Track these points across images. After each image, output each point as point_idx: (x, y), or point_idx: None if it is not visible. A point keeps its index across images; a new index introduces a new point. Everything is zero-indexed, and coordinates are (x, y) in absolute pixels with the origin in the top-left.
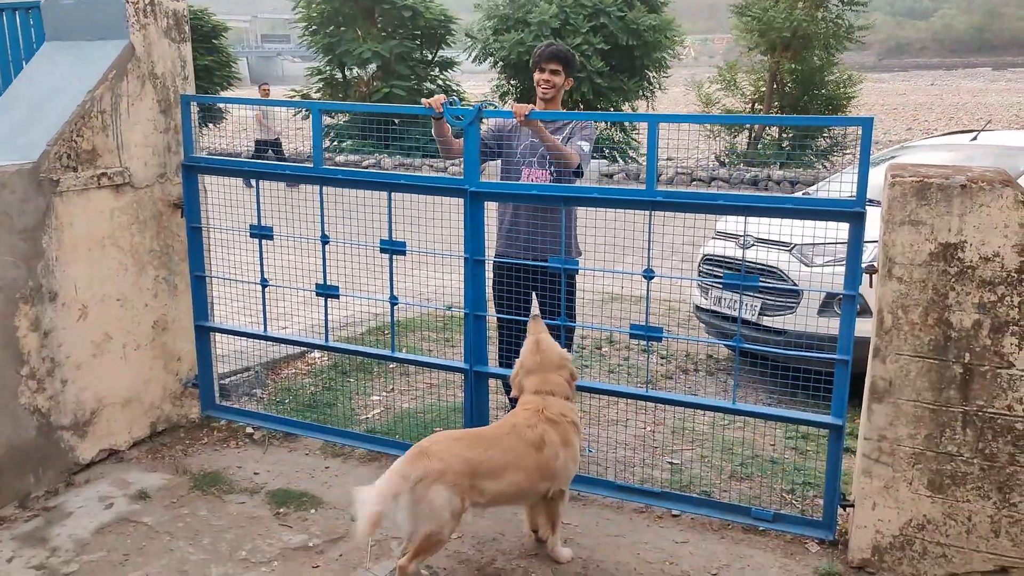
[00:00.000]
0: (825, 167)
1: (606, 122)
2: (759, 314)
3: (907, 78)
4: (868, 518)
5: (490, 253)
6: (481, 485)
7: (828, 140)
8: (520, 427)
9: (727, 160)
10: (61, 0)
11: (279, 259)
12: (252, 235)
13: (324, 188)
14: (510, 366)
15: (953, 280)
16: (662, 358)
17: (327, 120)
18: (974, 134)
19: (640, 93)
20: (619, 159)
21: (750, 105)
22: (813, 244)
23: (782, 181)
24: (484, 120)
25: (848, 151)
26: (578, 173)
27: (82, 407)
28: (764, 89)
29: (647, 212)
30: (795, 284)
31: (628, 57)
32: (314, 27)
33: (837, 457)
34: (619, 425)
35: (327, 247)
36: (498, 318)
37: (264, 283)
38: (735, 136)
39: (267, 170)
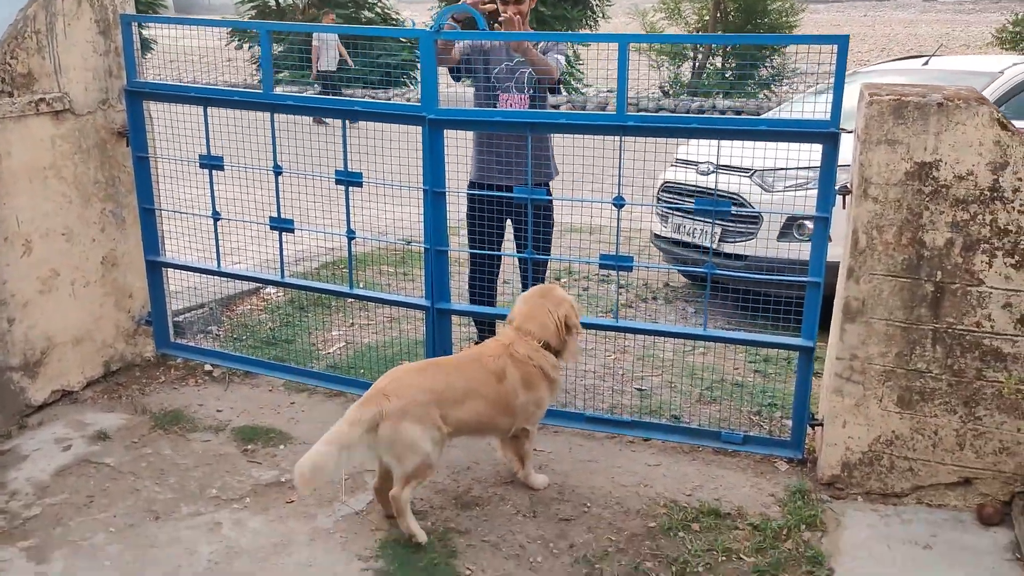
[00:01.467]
0: (767, 96)
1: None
2: (719, 240)
3: (841, 9)
4: (838, 435)
5: (464, 181)
6: (446, 412)
7: (770, 70)
8: (484, 357)
9: (671, 91)
10: None
11: (231, 192)
12: (202, 165)
13: (276, 116)
14: (481, 301)
15: (927, 199)
16: (620, 287)
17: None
18: (925, 59)
19: (583, 22)
20: (564, 91)
21: (694, 32)
22: (773, 169)
23: (726, 111)
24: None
25: (789, 80)
26: (555, 89)
27: (31, 347)
28: (708, 18)
29: (617, 137)
30: (756, 209)
31: None
32: None
33: (807, 378)
34: (585, 354)
35: (280, 179)
36: (470, 247)
37: (216, 216)
38: (679, 66)
39: (217, 96)
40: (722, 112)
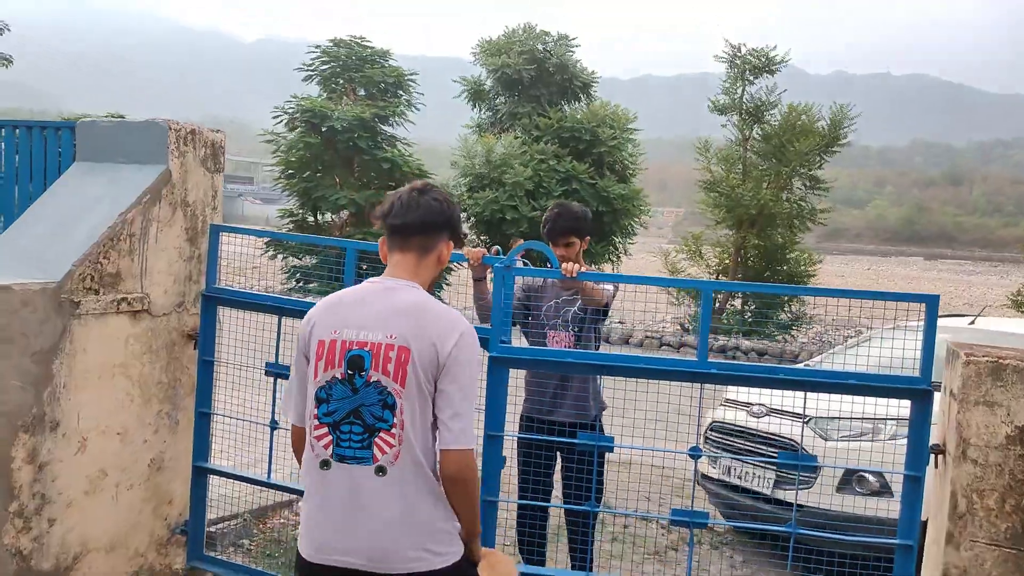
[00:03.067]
0: (787, 339)
1: None
2: (773, 487)
3: (845, 261)
4: None
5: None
6: None
7: (789, 315)
8: None
9: (691, 327)
10: (98, 122)
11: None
12: (267, 373)
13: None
14: (531, 554)
15: None
16: (662, 528)
17: (294, 262)
18: (971, 319)
19: (607, 257)
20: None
21: (715, 275)
22: (828, 418)
23: (750, 351)
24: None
25: (810, 326)
26: (604, 311)
27: (66, 551)
28: (728, 261)
29: (697, 385)
30: (814, 458)
31: (598, 223)
32: (291, 171)
33: None
34: None
35: None
36: (520, 486)
37: (274, 425)
38: (700, 305)
39: (292, 306)
40: (745, 352)
